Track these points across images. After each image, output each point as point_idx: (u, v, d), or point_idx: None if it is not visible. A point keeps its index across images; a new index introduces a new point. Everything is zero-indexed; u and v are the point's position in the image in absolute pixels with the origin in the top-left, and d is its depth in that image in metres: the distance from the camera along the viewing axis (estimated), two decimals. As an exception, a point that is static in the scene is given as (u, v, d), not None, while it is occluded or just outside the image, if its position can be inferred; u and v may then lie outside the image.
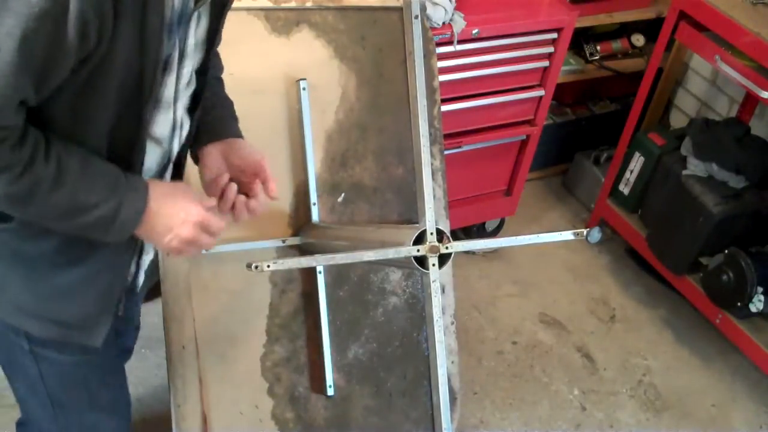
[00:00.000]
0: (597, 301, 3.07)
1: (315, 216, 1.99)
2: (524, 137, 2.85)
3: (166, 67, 1.29)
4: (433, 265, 1.59)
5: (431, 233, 1.59)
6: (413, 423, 2.12)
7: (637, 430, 2.59)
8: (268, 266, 1.48)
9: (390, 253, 1.58)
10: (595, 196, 3.28)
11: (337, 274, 2.03)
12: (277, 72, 1.96)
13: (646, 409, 2.67)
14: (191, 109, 1.46)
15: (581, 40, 3.31)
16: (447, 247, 1.60)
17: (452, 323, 2.18)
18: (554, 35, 2.63)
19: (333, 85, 2.03)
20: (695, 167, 2.84)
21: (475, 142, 2.73)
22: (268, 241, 1.95)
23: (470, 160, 2.78)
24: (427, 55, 2.04)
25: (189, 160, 1.56)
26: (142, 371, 2.46)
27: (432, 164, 2.00)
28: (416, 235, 1.58)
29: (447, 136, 2.48)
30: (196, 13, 1.29)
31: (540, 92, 2.74)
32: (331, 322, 2.00)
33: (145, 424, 2.32)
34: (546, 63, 2.68)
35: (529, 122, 2.82)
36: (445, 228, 1.78)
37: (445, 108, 2.40)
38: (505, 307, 2.96)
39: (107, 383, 1.69)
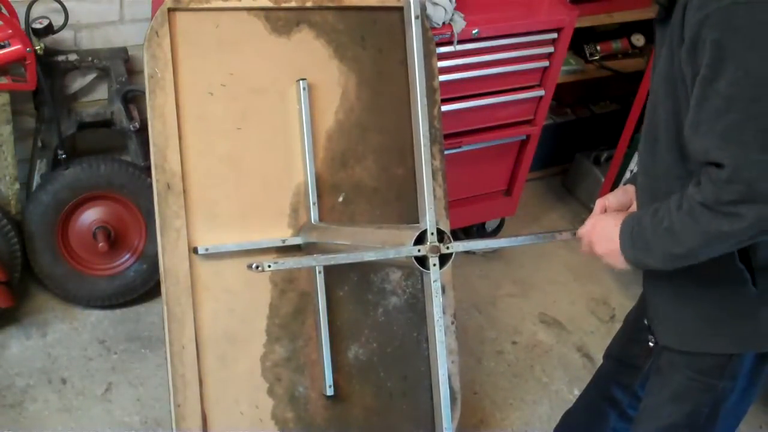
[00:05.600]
0: (597, 301, 3.07)
1: (315, 216, 1.99)
2: (524, 137, 2.85)
3: None
4: (434, 265, 1.59)
5: (432, 233, 1.59)
6: (413, 423, 2.12)
7: (637, 430, 2.59)
8: (269, 266, 1.48)
9: (390, 253, 1.58)
10: (595, 196, 3.27)
11: (337, 274, 2.03)
12: (277, 72, 1.96)
13: (646, 409, 2.67)
14: None
15: (581, 40, 3.31)
16: (448, 247, 1.60)
17: (452, 323, 2.18)
18: (554, 35, 2.63)
19: (333, 85, 2.03)
20: (695, 167, 2.84)
21: (475, 142, 2.73)
22: (268, 241, 1.95)
23: (470, 160, 2.78)
24: (427, 55, 2.04)
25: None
26: (142, 371, 2.46)
27: (432, 164, 1.99)
28: (417, 235, 1.58)
29: (447, 136, 2.48)
30: None
31: (540, 92, 2.74)
32: (331, 322, 2.00)
33: (146, 424, 2.33)
34: (546, 63, 2.68)
35: (529, 122, 2.82)
36: (446, 228, 1.78)
37: (445, 108, 2.40)
38: (505, 307, 2.96)
39: None
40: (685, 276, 1.52)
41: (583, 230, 1.64)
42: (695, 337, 1.62)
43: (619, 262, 1.53)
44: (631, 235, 1.49)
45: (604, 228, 1.57)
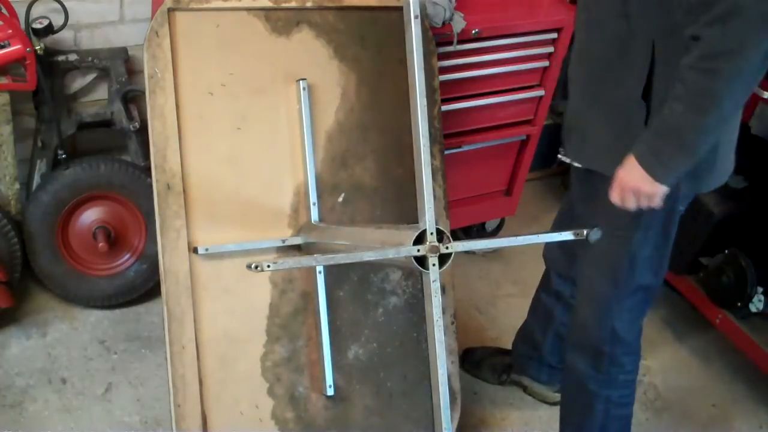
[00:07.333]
0: (597, 301, 3.06)
1: (315, 216, 1.99)
2: (524, 137, 2.85)
3: None
4: (434, 265, 1.59)
5: (431, 233, 1.59)
6: (413, 423, 2.12)
7: (637, 430, 2.59)
8: (268, 266, 1.48)
9: (390, 253, 1.58)
10: (595, 196, 3.27)
11: (337, 274, 2.03)
12: (277, 72, 1.96)
13: (646, 409, 2.66)
14: None
15: (581, 40, 3.30)
16: (447, 247, 1.60)
17: (452, 323, 2.18)
18: (554, 35, 2.63)
19: (333, 85, 2.03)
20: (695, 167, 2.83)
21: (475, 142, 2.73)
22: (268, 241, 1.95)
23: (470, 160, 2.78)
24: (427, 55, 2.04)
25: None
26: (142, 371, 2.46)
27: (432, 164, 1.99)
28: (416, 235, 1.58)
29: (447, 136, 2.48)
30: None
31: (540, 92, 2.74)
32: (331, 322, 2.00)
33: (146, 424, 2.32)
34: (546, 63, 2.68)
35: (529, 122, 2.82)
36: (445, 228, 1.78)
37: (445, 108, 2.40)
38: (505, 307, 2.96)
39: None
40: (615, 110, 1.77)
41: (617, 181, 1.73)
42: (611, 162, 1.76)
43: (650, 185, 1.66)
44: (654, 152, 1.62)
45: (626, 173, 1.69)
